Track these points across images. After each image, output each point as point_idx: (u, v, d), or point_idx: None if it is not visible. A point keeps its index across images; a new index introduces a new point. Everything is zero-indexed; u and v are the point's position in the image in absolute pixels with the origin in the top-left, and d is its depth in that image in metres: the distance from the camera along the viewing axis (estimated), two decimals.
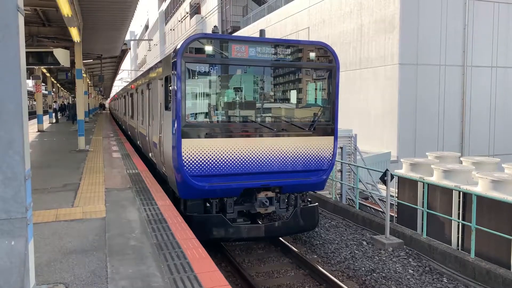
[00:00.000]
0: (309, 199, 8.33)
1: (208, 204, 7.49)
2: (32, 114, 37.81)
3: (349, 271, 7.39)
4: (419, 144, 18.79)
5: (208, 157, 6.97)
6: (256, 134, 7.30)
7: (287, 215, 8.07)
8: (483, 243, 7.42)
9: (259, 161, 7.28)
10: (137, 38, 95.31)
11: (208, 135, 6.95)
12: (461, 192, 8.04)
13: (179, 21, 53.64)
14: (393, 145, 18.81)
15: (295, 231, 8.28)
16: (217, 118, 7.34)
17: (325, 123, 7.86)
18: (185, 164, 6.85)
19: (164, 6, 68.65)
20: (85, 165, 10.49)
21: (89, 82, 34.87)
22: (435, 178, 8.69)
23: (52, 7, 11.76)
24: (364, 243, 8.65)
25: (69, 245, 4.81)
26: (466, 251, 7.60)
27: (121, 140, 17.18)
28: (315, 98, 8.18)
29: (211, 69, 7.06)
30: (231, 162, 7.11)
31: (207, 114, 7.28)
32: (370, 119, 20.32)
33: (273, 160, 7.38)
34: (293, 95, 8.07)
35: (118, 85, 69.93)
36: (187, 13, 50.20)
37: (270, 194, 7.56)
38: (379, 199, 12.72)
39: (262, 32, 7.85)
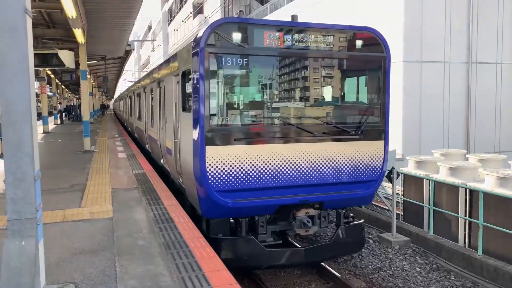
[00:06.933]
0: (351, 215, 7.14)
1: (233, 221, 6.43)
2: (37, 116, 37.99)
3: (356, 269, 7.38)
4: (424, 141, 18.71)
5: (238, 167, 5.85)
6: (295, 140, 6.18)
7: (324, 232, 7.12)
8: (491, 240, 7.39)
9: (298, 171, 6.16)
10: (140, 39, 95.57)
11: (237, 141, 5.83)
12: (467, 189, 8.01)
13: (183, 21, 53.73)
14: (398, 143, 18.74)
15: (340, 253, 7.16)
16: (248, 120, 6.18)
17: (375, 124, 6.70)
18: (210, 176, 5.73)
19: (167, 6, 68.78)
20: (91, 166, 10.53)
21: (93, 83, 35.00)
22: (441, 176, 8.66)
23: (57, 9, 11.82)
24: (371, 241, 8.64)
25: (77, 245, 4.84)
26: (473, 249, 7.57)
27: (126, 141, 17.23)
28: (363, 95, 6.99)
29: (240, 61, 5.90)
30: (265, 173, 5.98)
31: (236, 116, 6.13)
32: None
33: (314, 170, 6.25)
34: (337, 92, 6.95)
35: (122, 86, 70.18)
36: (190, 13, 50.29)
37: (311, 211, 6.42)
38: (384, 197, 12.68)
39: (294, 17, 6.46)
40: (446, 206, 8.39)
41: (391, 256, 7.84)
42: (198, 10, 48.90)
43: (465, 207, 8.10)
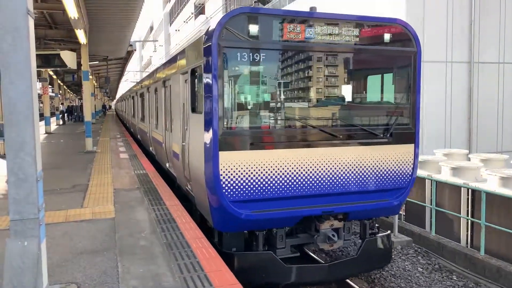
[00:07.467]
0: (377, 225, 6.56)
1: (246, 232, 5.85)
2: (39, 116, 38.11)
3: None
4: (426, 141, 18.69)
5: (255, 175, 5.26)
6: (318, 144, 5.58)
7: (346, 244, 6.60)
8: (493, 240, 7.37)
9: (322, 179, 5.59)
10: (142, 39, 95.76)
11: (254, 146, 5.25)
12: (470, 189, 8.00)
13: (184, 21, 53.81)
14: None
15: (366, 268, 6.56)
16: (265, 122, 5.63)
17: (404, 126, 6.11)
18: (224, 185, 5.15)
19: (169, 7, 68.91)
20: (93, 166, 10.55)
21: (95, 83, 35.08)
22: (443, 176, 8.65)
23: (59, 10, 11.86)
24: None
25: (79, 246, 4.85)
26: (476, 249, 7.56)
27: (128, 141, 17.26)
28: (392, 94, 6.37)
29: (258, 56, 5.30)
30: (285, 181, 5.41)
31: (252, 118, 5.57)
32: None
33: (339, 178, 5.68)
34: (364, 91, 6.44)
35: (124, 87, 70.37)
36: (191, 13, 50.35)
37: (336, 224, 5.77)
38: None
39: (313, 9, 5.84)
40: (448, 206, 8.38)
41: (393, 256, 7.83)
42: (200, 10, 48.95)
43: (467, 207, 8.08)
